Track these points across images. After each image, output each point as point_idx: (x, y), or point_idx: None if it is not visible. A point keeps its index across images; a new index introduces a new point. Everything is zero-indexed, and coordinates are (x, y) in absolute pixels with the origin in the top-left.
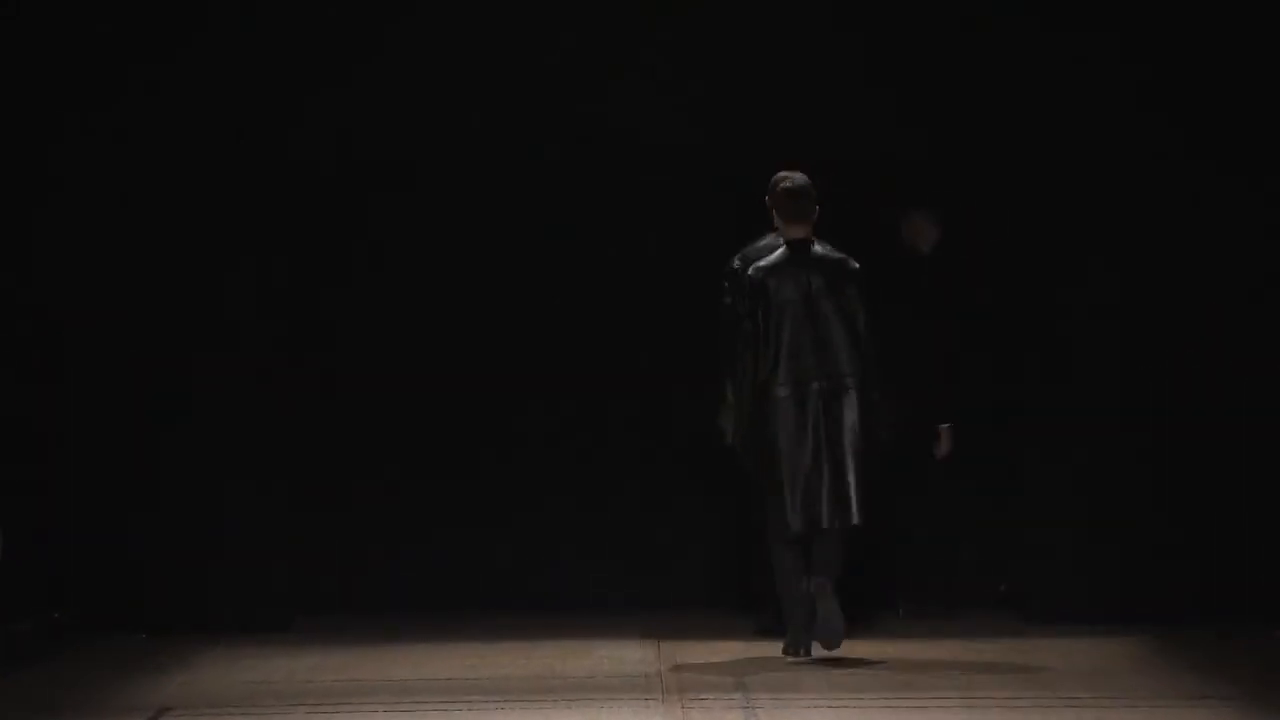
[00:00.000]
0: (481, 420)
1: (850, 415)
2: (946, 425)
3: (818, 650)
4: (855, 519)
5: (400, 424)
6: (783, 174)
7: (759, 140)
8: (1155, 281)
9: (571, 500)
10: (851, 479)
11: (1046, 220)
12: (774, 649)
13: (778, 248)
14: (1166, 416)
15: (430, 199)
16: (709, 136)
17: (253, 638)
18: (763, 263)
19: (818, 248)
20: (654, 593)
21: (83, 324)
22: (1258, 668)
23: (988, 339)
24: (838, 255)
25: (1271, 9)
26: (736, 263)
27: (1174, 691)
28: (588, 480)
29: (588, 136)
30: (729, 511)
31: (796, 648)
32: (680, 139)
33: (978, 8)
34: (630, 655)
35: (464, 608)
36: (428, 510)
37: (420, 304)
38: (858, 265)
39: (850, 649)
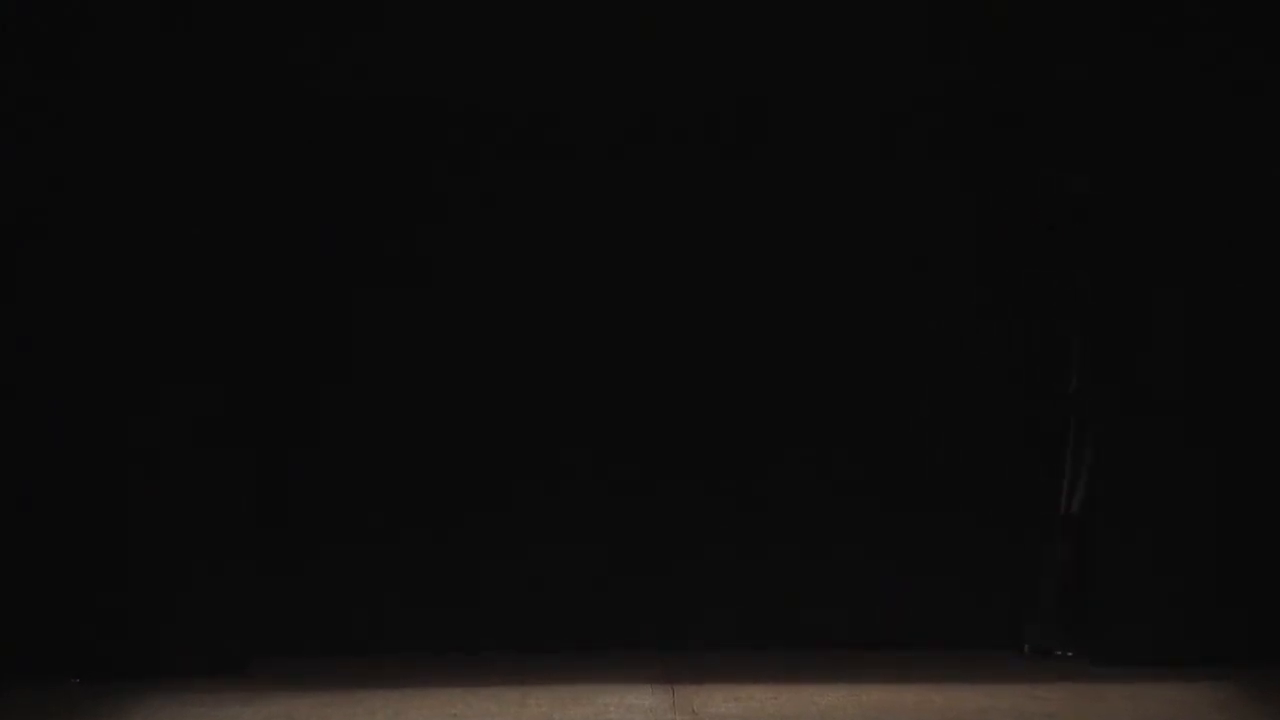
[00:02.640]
0: (465, 440)
1: None
2: None
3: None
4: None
5: (373, 447)
6: None
7: None
8: (1225, 306)
9: (570, 526)
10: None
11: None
12: (805, 690)
13: None
14: (1239, 444)
15: (440, 212)
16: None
17: (203, 682)
18: None
19: None
20: (667, 630)
21: (29, 341)
22: None
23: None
24: None
25: None
26: None
27: None
28: (588, 502)
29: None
30: (760, 533)
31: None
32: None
33: None
34: (640, 702)
35: (447, 647)
36: (404, 539)
37: (403, 333)
38: None
39: (894, 692)
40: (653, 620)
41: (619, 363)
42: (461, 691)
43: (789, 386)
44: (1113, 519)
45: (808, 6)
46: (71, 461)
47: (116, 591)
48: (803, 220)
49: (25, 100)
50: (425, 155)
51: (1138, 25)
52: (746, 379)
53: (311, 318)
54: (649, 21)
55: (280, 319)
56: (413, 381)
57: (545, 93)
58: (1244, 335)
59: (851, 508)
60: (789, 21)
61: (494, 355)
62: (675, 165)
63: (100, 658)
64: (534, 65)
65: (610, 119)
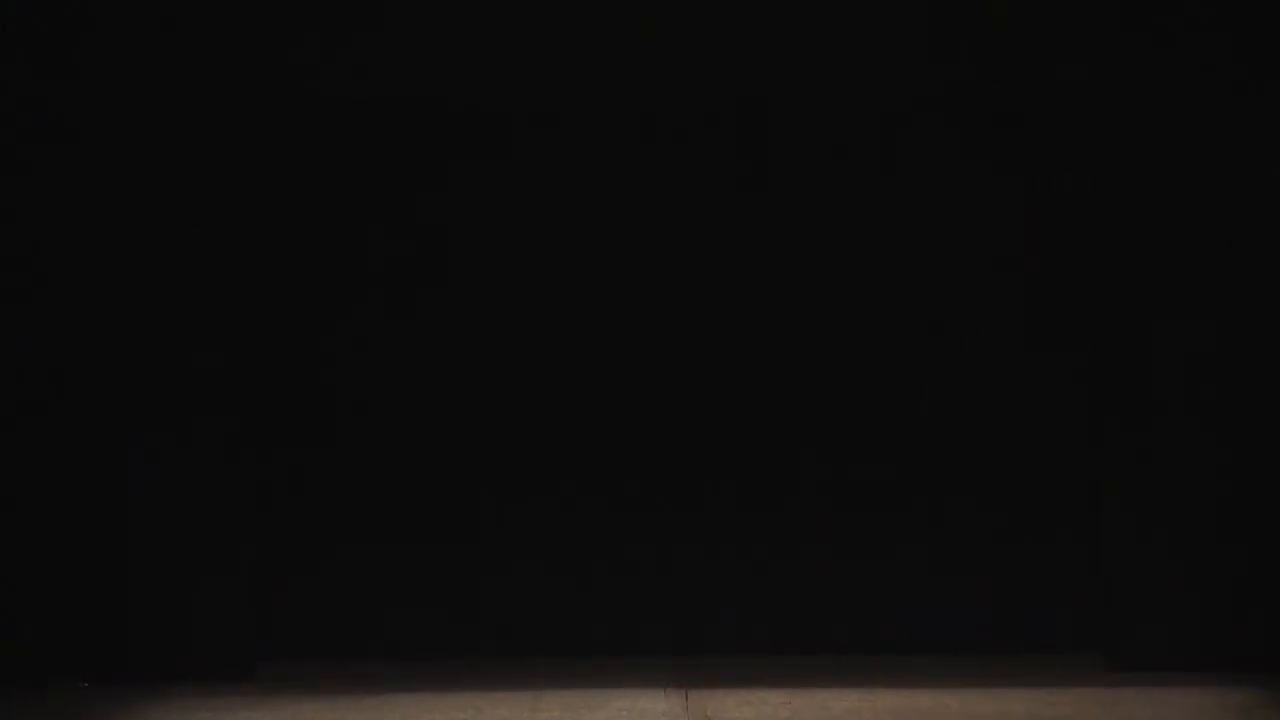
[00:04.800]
0: (474, 442)
1: None
2: None
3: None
4: None
5: (383, 450)
6: None
7: None
8: (1245, 312)
9: (582, 524)
10: None
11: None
12: (819, 695)
13: None
14: (1260, 446)
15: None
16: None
17: (212, 687)
18: None
19: None
20: (680, 634)
21: (30, 342)
22: None
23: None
24: None
25: None
26: None
27: None
28: (600, 506)
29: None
30: (772, 539)
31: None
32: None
33: None
34: (654, 706)
35: (457, 651)
36: (413, 543)
37: (408, 333)
38: None
39: (909, 697)
40: (666, 625)
41: (630, 368)
42: (472, 696)
43: (797, 389)
44: (1129, 522)
45: (807, 7)
46: (76, 464)
47: (123, 594)
48: (808, 221)
49: (23, 100)
50: (425, 155)
51: (1138, 25)
52: (755, 382)
53: (313, 318)
54: (649, 21)
55: (281, 320)
56: (420, 384)
57: (545, 92)
58: (1252, 335)
59: (863, 512)
60: (789, 22)
61: (499, 359)
62: (675, 166)
63: (107, 661)
64: (535, 65)
65: (610, 119)
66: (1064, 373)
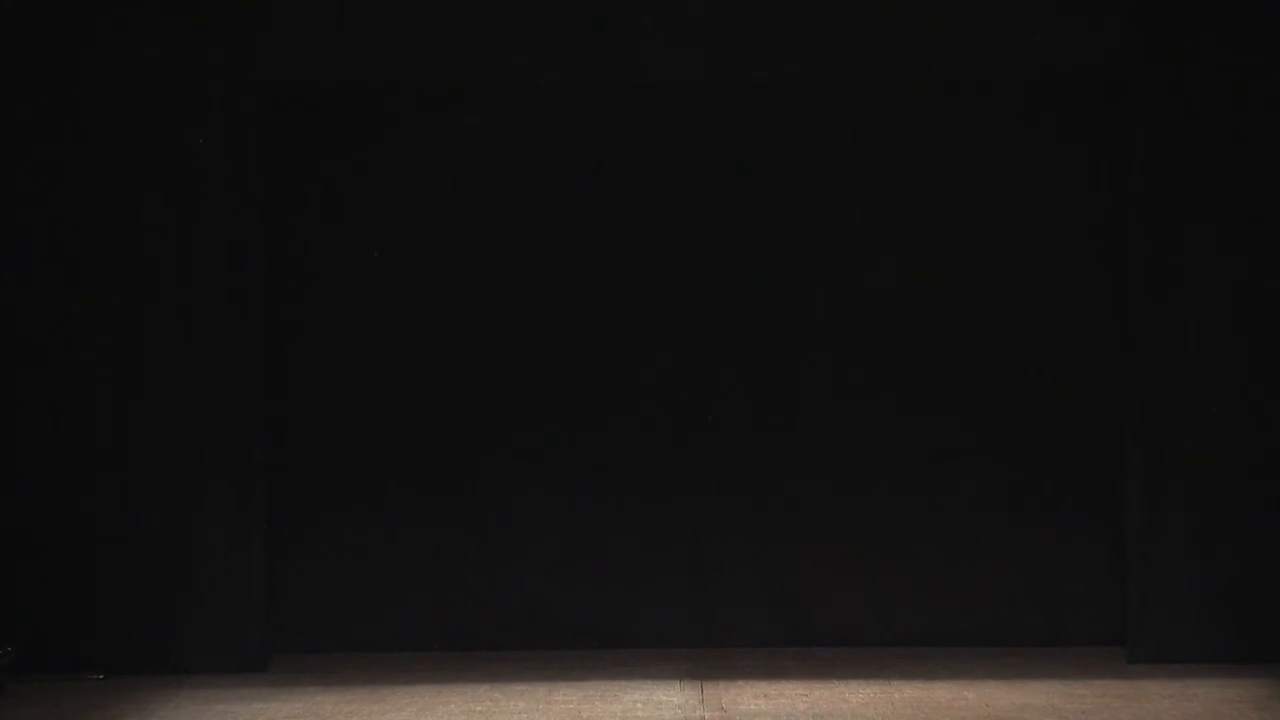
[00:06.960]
0: (486, 426)
1: None
2: None
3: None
4: None
5: (393, 433)
6: None
7: None
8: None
9: (596, 516)
10: None
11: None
12: (836, 688)
13: None
14: None
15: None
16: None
17: (226, 679)
18: None
19: None
20: (696, 627)
21: (37, 330)
22: None
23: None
24: None
25: None
26: None
27: None
28: (614, 492)
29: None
30: (790, 532)
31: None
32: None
33: None
34: (669, 699)
35: (472, 643)
36: (428, 530)
37: (415, 319)
38: None
39: (927, 689)
40: (682, 617)
41: (652, 356)
42: (488, 688)
43: (811, 388)
44: (1149, 516)
45: None
46: (87, 459)
47: (137, 588)
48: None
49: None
50: (427, 137)
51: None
52: (772, 379)
53: (320, 307)
54: None
55: (288, 309)
56: (430, 373)
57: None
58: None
59: (879, 507)
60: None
61: (519, 346)
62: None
63: (123, 655)
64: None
65: (622, 102)
66: (1084, 368)
